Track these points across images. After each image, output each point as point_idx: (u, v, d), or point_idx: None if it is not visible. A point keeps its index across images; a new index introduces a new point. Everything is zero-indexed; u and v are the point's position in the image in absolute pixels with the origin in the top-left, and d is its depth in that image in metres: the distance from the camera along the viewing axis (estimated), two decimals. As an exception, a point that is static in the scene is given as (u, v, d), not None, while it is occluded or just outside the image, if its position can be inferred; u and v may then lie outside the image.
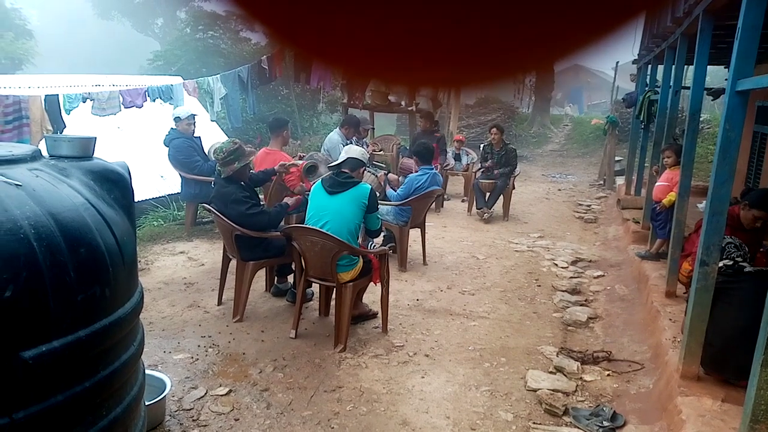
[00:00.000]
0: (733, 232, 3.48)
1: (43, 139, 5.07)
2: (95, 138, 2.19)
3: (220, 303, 4.65)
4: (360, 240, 4.21)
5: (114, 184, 2.04)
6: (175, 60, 15.08)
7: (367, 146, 7.84)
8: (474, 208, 8.43)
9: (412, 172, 6.26)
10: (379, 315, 4.32)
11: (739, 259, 3.40)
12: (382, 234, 6.05)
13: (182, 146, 6.30)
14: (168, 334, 4.10)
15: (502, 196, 8.28)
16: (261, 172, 4.97)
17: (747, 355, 2.50)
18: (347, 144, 7.14)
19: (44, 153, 2.14)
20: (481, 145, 8.92)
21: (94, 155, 2.19)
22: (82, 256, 1.70)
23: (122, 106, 6.63)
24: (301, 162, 5.35)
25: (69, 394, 1.64)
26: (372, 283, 4.19)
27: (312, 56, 0.51)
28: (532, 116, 21.43)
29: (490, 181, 8.18)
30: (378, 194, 6.13)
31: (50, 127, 6.00)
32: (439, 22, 0.42)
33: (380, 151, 8.19)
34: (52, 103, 6.07)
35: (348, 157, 4.22)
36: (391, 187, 6.18)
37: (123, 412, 1.90)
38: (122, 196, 2.05)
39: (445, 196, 9.32)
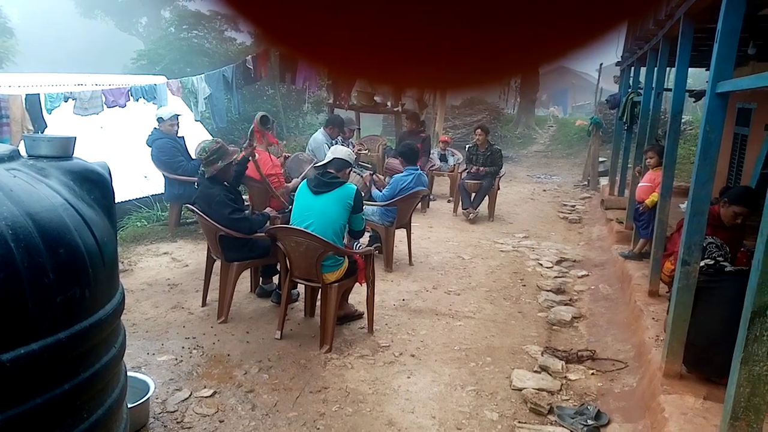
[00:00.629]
0: (714, 231, 3.52)
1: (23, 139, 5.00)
2: (75, 138, 2.15)
3: (204, 304, 4.61)
4: (345, 241, 4.19)
5: (94, 184, 2.01)
6: (159, 59, 14.96)
7: (353, 146, 7.83)
8: (460, 208, 8.45)
9: (397, 173, 6.26)
10: (365, 315, 4.32)
11: (720, 258, 3.44)
12: (368, 234, 6.05)
13: (165, 146, 6.25)
14: (152, 335, 4.06)
15: (487, 197, 8.31)
16: (237, 164, 4.84)
17: (728, 353, 2.53)
18: (332, 144, 7.13)
19: (23, 153, 2.10)
20: (467, 146, 8.95)
21: (74, 155, 2.16)
22: (61, 257, 1.67)
23: (105, 106, 6.56)
24: (279, 158, 5.33)
25: (48, 397, 1.62)
26: (357, 283, 4.19)
27: (299, 55, 0.50)
28: (518, 117, 21.56)
29: (476, 181, 8.21)
30: (363, 194, 6.14)
31: (31, 127, 5.91)
32: (425, 25, 0.42)
33: (366, 151, 8.18)
34: (33, 103, 5.99)
35: (334, 158, 4.21)
36: (377, 188, 6.18)
37: (104, 415, 1.87)
38: (102, 196, 2.02)
39: (431, 197, 9.34)
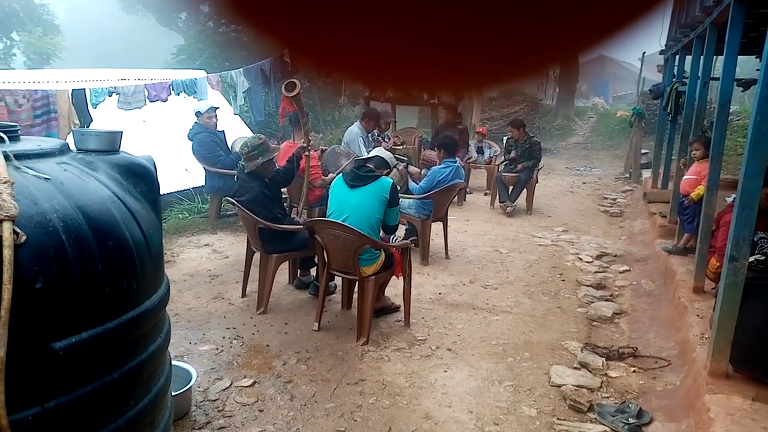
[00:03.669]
0: None
1: (71, 133, 5.16)
2: (121, 132, 2.21)
3: (244, 295, 4.69)
4: (381, 234, 4.20)
5: (140, 177, 2.06)
6: (199, 54, 15.21)
7: (389, 139, 7.82)
8: (497, 201, 8.36)
9: (434, 165, 6.23)
10: (402, 308, 4.32)
11: (771, 254, 3.32)
12: (404, 227, 6.05)
13: (205, 140, 6.36)
14: (193, 325, 4.16)
15: (525, 190, 8.20)
16: (287, 162, 4.93)
17: (779, 352, 2.44)
18: (367, 137, 7.13)
19: (72, 147, 2.17)
20: (505, 138, 8.84)
21: (120, 149, 2.22)
22: (109, 249, 1.72)
23: (147, 100, 6.70)
24: (317, 150, 5.36)
25: (98, 385, 1.67)
26: (394, 276, 4.19)
27: (332, 69, 0.50)
28: (556, 108, 21.17)
29: (513, 174, 8.11)
30: (399, 187, 6.13)
31: (77, 121, 6.09)
32: (459, 22, 0.41)
33: (401, 144, 8.16)
34: (79, 98, 6.16)
35: (376, 155, 4.24)
36: (413, 180, 6.16)
37: (150, 403, 1.93)
38: (148, 189, 2.07)
39: (468, 190, 9.27)
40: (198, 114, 6.44)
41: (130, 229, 1.84)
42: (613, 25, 0.42)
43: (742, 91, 10.29)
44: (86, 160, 2.03)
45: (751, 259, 3.25)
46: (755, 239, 3.33)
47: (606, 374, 3.62)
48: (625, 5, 0.42)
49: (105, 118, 6.37)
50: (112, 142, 2.19)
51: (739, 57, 4.75)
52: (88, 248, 1.67)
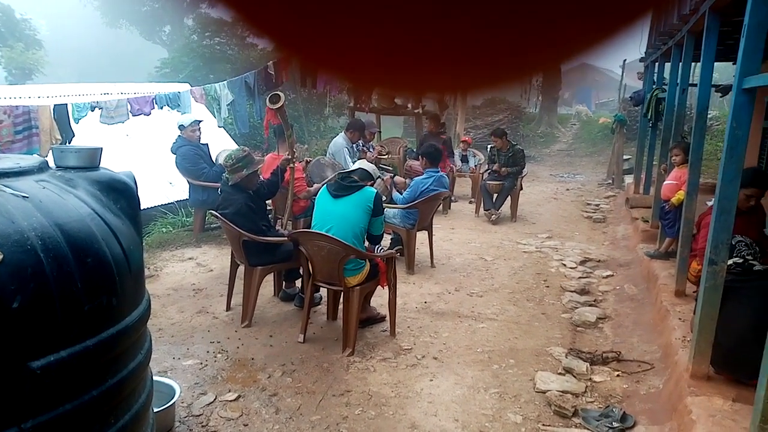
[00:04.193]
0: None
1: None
2: (101, 148, 2.21)
3: (228, 308, 4.67)
4: (366, 244, 4.22)
5: (120, 193, 2.06)
6: (183, 67, 15.19)
7: (374, 149, 7.85)
8: (481, 209, 8.41)
9: (418, 175, 6.27)
10: (387, 318, 4.33)
11: (749, 257, 3.38)
12: (389, 237, 6.06)
13: (188, 154, 6.34)
14: (177, 340, 4.13)
15: (509, 197, 8.26)
16: (271, 175, 4.94)
17: (757, 353, 2.48)
18: (353, 148, 7.16)
19: (51, 164, 2.16)
20: (489, 147, 8.91)
21: (100, 165, 2.22)
22: (88, 267, 1.72)
23: (130, 114, 6.68)
24: (302, 161, 5.37)
25: (77, 403, 1.66)
26: (379, 286, 4.20)
27: (318, 66, 0.51)
28: (540, 116, 21.37)
29: (498, 182, 8.17)
30: (384, 197, 6.15)
31: (59, 137, 6.06)
32: (443, 28, 0.42)
33: (386, 154, 8.19)
34: (61, 113, 6.13)
35: (360, 168, 4.26)
36: (397, 190, 6.19)
37: (131, 420, 1.92)
38: (128, 205, 2.07)
39: (453, 198, 9.32)
40: (181, 127, 6.43)
41: (109, 245, 1.84)
42: (601, 34, 0.43)
43: (720, 97, 10.49)
44: (65, 177, 2.03)
45: (730, 262, 3.30)
46: (733, 242, 3.38)
47: (590, 379, 3.65)
48: (614, 15, 0.43)
49: (87, 133, 6.33)
50: (92, 158, 2.19)
51: (717, 64, 4.85)
52: (67, 266, 1.66)
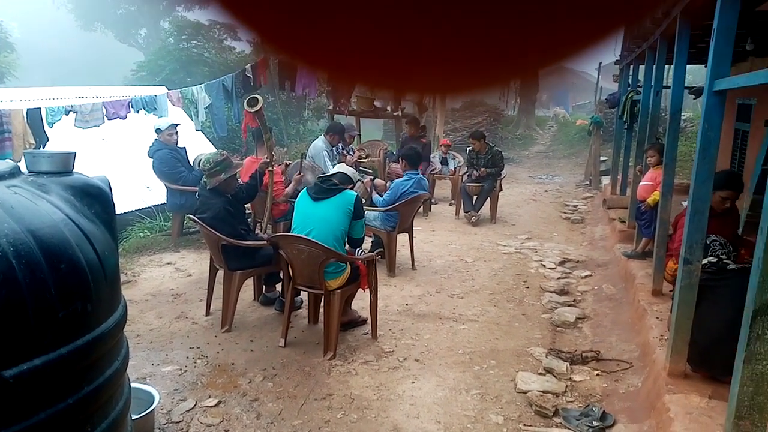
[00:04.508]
0: (708, 220, 3.49)
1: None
2: (75, 153, 2.17)
3: (208, 313, 4.62)
4: (347, 247, 4.21)
5: (94, 198, 2.03)
6: (159, 70, 15.03)
7: (354, 152, 7.84)
8: (461, 211, 8.45)
9: (399, 177, 6.28)
10: (369, 321, 4.32)
11: (723, 256, 3.44)
12: (371, 240, 6.06)
13: (166, 157, 6.27)
14: (156, 346, 4.07)
15: (489, 199, 8.31)
16: (250, 178, 4.90)
17: (732, 351, 2.52)
18: (332, 151, 7.15)
19: (23, 169, 2.12)
20: (468, 149, 8.96)
21: (74, 169, 2.18)
22: (62, 273, 1.68)
23: (106, 118, 6.59)
24: (280, 166, 5.34)
25: (52, 412, 1.63)
26: (360, 289, 4.19)
27: (299, 61, 0.51)
28: (518, 118, 21.55)
29: (477, 184, 8.22)
30: (365, 200, 6.15)
31: (33, 141, 5.95)
32: (425, 30, 0.42)
33: (366, 157, 8.19)
34: (34, 117, 6.02)
35: (339, 171, 4.26)
36: (378, 193, 6.19)
37: (109, 428, 1.88)
38: (103, 210, 2.03)
39: (433, 201, 9.35)
40: (158, 131, 6.35)
41: (84, 251, 1.81)
42: (576, 43, 0.44)
43: (694, 99, 10.67)
44: (38, 183, 1.99)
45: (705, 261, 3.36)
46: (708, 242, 3.44)
47: (570, 378, 3.68)
48: (591, 25, 0.43)
49: (62, 137, 6.23)
50: (65, 163, 2.15)
51: (690, 66, 4.95)
52: (40, 272, 1.63)
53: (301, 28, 0.44)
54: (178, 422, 3.13)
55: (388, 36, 0.43)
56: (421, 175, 6.14)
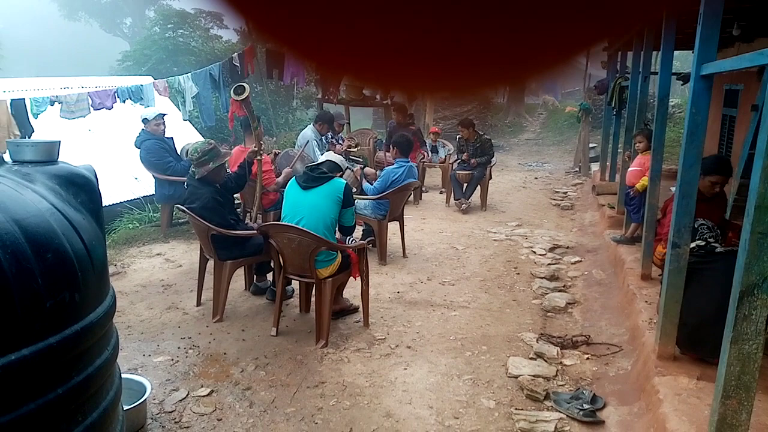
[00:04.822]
0: (698, 204, 3.51)
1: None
2: (59, 142, 2.14)
3: (199, 304, 4.61)
4: (338, 236, 4.20)
5: (80, 187, 2.00)
6: (145, 60, 14.88)
7: (343, 141, 7.82)
8: (452, 199, 8.46)
9: (390, 164, 6.27)
10: (360, 309, 4.33)
11: (711, 239, 3.47)
12: (361, 228, 6.06)
13: (153, 147, 6.21)
14: (147, 337, 4.06)
15: (479, 187, 8.32)
16: (239, 168, 4.87)
17: (720, 333, 2.55)
18: (321, 140, 7.12)
19: (7, 159, 2.09)
20: (458, 137, 8.96)
21: (59, 159, 2.15)
22: (49, 262, 1.67)
23: (91, 108, 6.52)
24: (269, 155, 5.32)
25: (42, 402, 1.62)
26: (352, 277, 4.19)
27: (290, 50, 0.50)
28: (508, 106, 21.55)
29: (467, 172, 8.22)
30: (355, 189, 6.14)
31: (18, 132, 5.88)
32: (417, 30, 0.42)
33: (356, 146, 8.17)
34: (18, 108, 5.95)
35: (327, 159, 4.24)
36: (368, 181, 6.18)
37: (99, 418, 1.87)
38: (89, 199, 2.01)
39: (423, 189, 9.35)
40: (145, 121, 6.29)
41: (70, 240, 1.79)
42: (565, 55, 0.43)
43: (681, 85, 10.71)
44: (23, 172, 1.97)
45: (693, 245, 3.39)
46: (696, 226, 3.46)
47: (561, 363, 3.71)
48: (578, 37, 0.43)
49: (47, 128, 6.16)
50: (49, 152, 2.12)
51: (679, 52, 4.96)
52: (26, 262, 1.61)
53: (294, 16, 0.43)
54: (171, 412, 3.13)
55: (381, 29, 0.43)
56: (412, 163, 6.13)
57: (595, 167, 10.53)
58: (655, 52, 6.47)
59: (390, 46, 0.44)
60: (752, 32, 6.24)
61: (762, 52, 2.26)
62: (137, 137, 6.32)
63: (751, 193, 2.13)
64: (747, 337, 2.14)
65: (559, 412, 3.15)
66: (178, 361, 3.71)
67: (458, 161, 8.61)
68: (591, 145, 11.96)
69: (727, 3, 2.98)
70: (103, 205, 2.18)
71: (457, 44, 0.43)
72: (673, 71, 5.57)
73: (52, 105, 6.25)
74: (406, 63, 0.46)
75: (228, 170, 4.70)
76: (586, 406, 3.15)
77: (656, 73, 5.59)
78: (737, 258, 2.20)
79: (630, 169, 5.92)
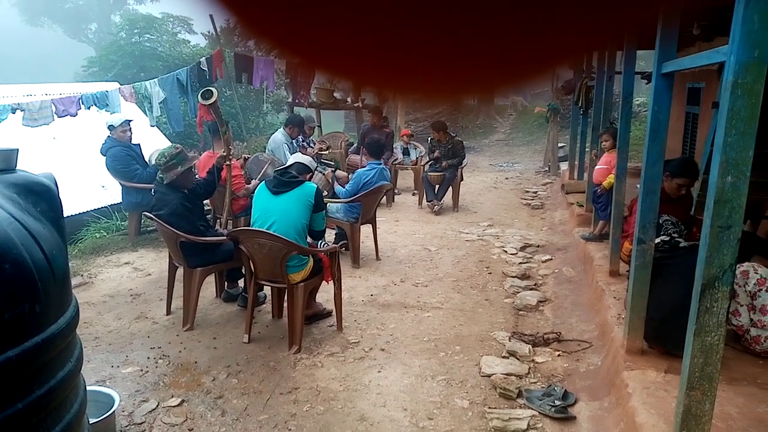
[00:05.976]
0: (663, 204, 3.59)
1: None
2: (18, 149, 2.08)
3: (169, 312, 4.53)
4: (309, 240, 4.18)
5: (39, 196, 1.95)
6: (111, 66, 14.62)
7: (314, 144, 7.79)
8: (424, 201, 8.50)
9: (360, 167, 6.26)
10: (334, 313, 4.31)
11: (675, 235, 3.54)
12: (334, 232, 6.04)
13: (119, 155, 6.10)
14: (115, 348, 3.98)
15: (451, 188, 8.37)
16: (208, 174, 4.82)
17: (685, 326, 2.61)
18: (292, 144, 7.09)
19: (-38, 168, 2.03)
20: (429, 138, 8.99)
21: (17, 167, 2.09)
22: (7, 273, 1.62)
23: (55, 116, 6.38)
24: (239, 160, 5.27)
25: (1, 417, 1.57)
26: (324, 281, 4.17)
27: (281, 49, 0.50)
28: (478, 108, 21.72)
29: (439, 173, 8.27)
30: (327, 192, 6.12)
31: (-23, 141, 5.71)
32: (412, 25, 0.42)
33: (328, 149, 8.15)
34: (-23, 116, 5.78)
35: (296, 162, 4.22)
36: (340, 184, 6.17)
37: (63, 431, 1.83)
38: (49, 208, 1.96)
39: (396, 191, 9.37)
40: (111, 128, 6.17)
41: (30, 250, 1.74)
42: (542, 67, 0.44)
43: (646, 84, 10.93)
44: (-22, 181, 1.91)
45: (657, 240, 3.46)
46: (660, 221, 3.53)
47: (533, 360, 3.75)
48: (555, 51, 0.43)
49: (10, 136, 6.00)
50: (7, 160, 2.06)
51: (643, 52, 5.06)
52: (-18, 274, 1.56)
53: (285, 17, 0.43)
54: (140, 423, 3.07)
55: (369, 29, 0.43)
56: (384, 165, 6.14)
57: (564, 166, 10.69)
58: (619, 52, 6.60)
59: (376, 45, 0.44)
60: (712, 31, 6.40)
61: (718, 50, 2.32)
62: (103, 144, 6.20)
63: (710, 187, 2.18)
64: (709, 329, 2.19)
65: (532, 409, 3.18)
66: (147, 371, 3.64)
67: (430, 162, 8.65)
68: (560, 145, 12.14)
69: (689, 3, 3.06)
70: (69, 214, 2.14)
71: (439, 48, 0.43)
72: (637, 70, 5.68)
73: (13, 113, 6.09)
74: (390, 62, 0.46)
75: (196, 176, 4.65)
76: (557, 403, 3.19)
77: (620, 73, 5.71)
78: (699, 252, 2.25)
79: (597, 167, 6.02)
